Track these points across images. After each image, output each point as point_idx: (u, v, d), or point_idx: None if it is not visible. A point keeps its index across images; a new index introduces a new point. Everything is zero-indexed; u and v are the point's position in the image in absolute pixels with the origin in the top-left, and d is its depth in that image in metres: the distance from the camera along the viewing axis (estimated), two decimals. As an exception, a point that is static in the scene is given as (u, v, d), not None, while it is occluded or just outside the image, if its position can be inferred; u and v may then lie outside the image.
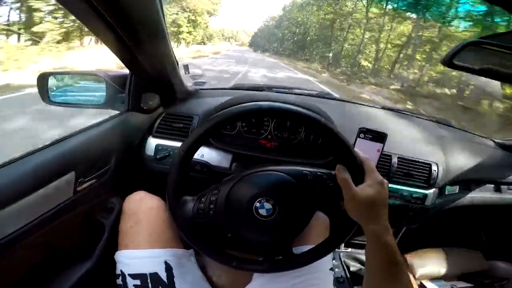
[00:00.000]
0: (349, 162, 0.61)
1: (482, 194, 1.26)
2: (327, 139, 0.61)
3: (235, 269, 0.70)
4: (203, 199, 0.67)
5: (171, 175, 0.64)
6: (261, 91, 1.33)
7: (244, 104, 0.63)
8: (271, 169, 0.69)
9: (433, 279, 1.32)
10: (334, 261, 1.36)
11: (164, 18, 0.68)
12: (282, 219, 0.65)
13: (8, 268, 0.63)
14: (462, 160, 1.18)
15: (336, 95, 1.50)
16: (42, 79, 0.91)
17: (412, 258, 1.35)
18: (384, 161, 1.04)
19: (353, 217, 0.61)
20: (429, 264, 1.33)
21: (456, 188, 1.20)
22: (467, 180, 1.22)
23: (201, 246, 0.69)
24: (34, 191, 0.63)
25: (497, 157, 1.31)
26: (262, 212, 0.64)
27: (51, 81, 0.92)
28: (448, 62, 0.58)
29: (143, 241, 0.76)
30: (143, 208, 0.82)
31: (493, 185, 1.29)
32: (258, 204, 0.64)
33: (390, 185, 1.06)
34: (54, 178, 0.68)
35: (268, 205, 0.64)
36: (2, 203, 0.57)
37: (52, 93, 0.94)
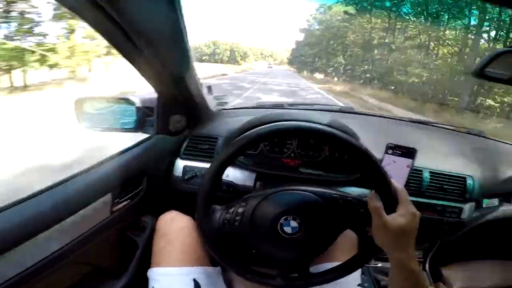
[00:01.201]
0: (384, 190, 0.61)
1: None
2: (364, 166, 0.61)
3: (249, 281, 0.71)
4: (230, 210, 0.68)
5: (199, 196, 0.66)
6: (283, 108, 1.35)
7: (275, 125, 0.64)
8: (299, 189, 0.69)
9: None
10: (363, 275, 1.31)
11: (188, 40, 0.71)
12: (307, 238, 0.65)
13: (52, 285, 0.67)
14: (499, 172, 1.13)
15: (359, 110, 1.48)
16: (79, 104, 0.97)
17: (450, 271, 1.29)
18: (415, 176, 1.02)
19: (380, 244, 0.62)
20: (468, 278, 1.26)
21: (495, 201, 1.15)
22: (506, 193, 1.16)
23: (221, 256, 0.70)
24: (76, 212, 0.69)
25: None
26: (287, 229, 0.65)
27: (87, 106, 0.99)
28: (479, 73, 0.57)
29: (175, 259, 0.79)
30: (174, 227, 0.85)
31: None
32: (284, 221, 0.65)
33: (423, 199, 1.03)
34: (93, 200, 0.74)
35: (294, 223, 0.65)
36: (48, 223, 0.63)
37: (88, 117, 1.00)
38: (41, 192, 0.67)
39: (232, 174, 1.02)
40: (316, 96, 16.03)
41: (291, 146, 1.05)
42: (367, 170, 0.61)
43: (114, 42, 0.64)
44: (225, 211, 0.68)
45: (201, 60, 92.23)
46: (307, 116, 0.96)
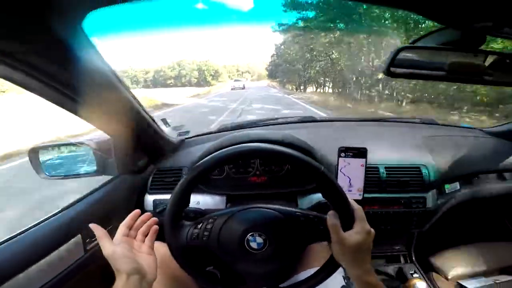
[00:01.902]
0: (342, 209, 0.64)
1: (487, 186, 1.25)
2: (323, 186, 0.64)
3: None
4: (199, 225, 0.70)
5: (171, 200, 0.68)
6: (246, 128, 1.39)
7: (234, 148, 0.66)
8: (263, 206, 0.72)
9: (470, 277, 1.26)
10: (347, 278, 1.33)
11: (122, 83, 0.74)
12: (272, 254, 0.67)
13: None
14: (453, 156, 1.18)
15: (318, 117, 1.54)
16: (33, 153, 0.97)
17: (439, 260, 1.30)
18: (372, 173, 1.06)
19: (339, 260, 0.65)
20: (460, 263, 1.27)
21: (456, 185, 1.20)
22: (465, 175, 1.21)
23: (189, 269, 0.72)
24: (48, 254, 0.74)
25: (489, 145, 1.30)
26: (254, 245, 0.67)
27: (42, 155, 0.98)
28: (387, 72, 0.62)
29: (162, 286, 0.82)
30: (161, 256, 0.86)
31: (495, 174, 1.28)
32: (250, 237, 0.67)
33: (385, 195, 1.07)
34: (63, 242, 0.79)
35: (259, 239, 0.67)
36: (21, 267, 0.67)
37: (46, 167, 1.00)
38: (14, 236, 0.72)
39: (202, 201, 1.04)
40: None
41: (254, 164, 1.08)
42: (326, 189, 0.64)
43: (55, 101, 0.67)
44: (193, 226, 0.70)
45: (165, 85, 79.46)
46: (264, 136, 1.01)
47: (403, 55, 0.61)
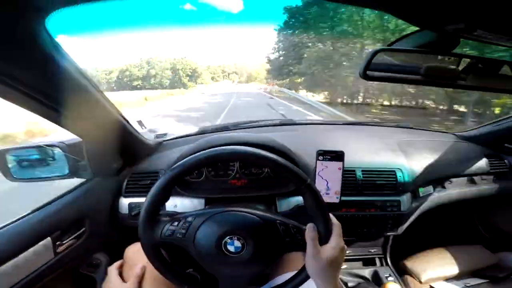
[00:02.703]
0: (322, 223, 0.65)
1: (459, 189, 1.28)
2: (307, 197, 0.64)
3: None
4: (175, 222, 0.68)
5: (148, 197, 0.66)
6: (226, 130, 1.37)
7: (229, 148, 0.65)
8: (245, 210, 0.71)
9: (442, 280, 1.28)
10: None
11: (89, 82, 0.72)
12: (250, 257, 0.67)
13: None
14: (427, 160, 1.21)
15: (298, 120, 1.54)
16: (1, 156, 0.92)
17: (413, 263, 1.32)
18: (348, 176, 1.07)
19: (311, 273, 0.65)
20: (432, 267, 1.29)
21: (430, 189, 1.23)
22: (438, 179, 1.25)
23: (159, 265, 0.70)
24: (14, 257, 0.72)
25: (461, 149, 1.34)
26: (231, 248, 0.66)
27: (9, 157, 0.93)
28: (363, 75, 0.62)
29: (149, 286, 0.82)
30: (142, 257, 0.85)
31: (466, 178, 1.31)
32: (228, 240, 0.66)
33: (361, 197, 1.09)
34: (30, 245, 0.77)
35: (237, 243, 0.66)
36: None
37: (14, 170, 0.95)
38: None
39: (180, 204, 1.02)
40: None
41: (234, 167, 1.07)
42: (309, 201, 0.65)
43: (21, 104, 0.64)
44: (169, 223, 0.68)
45: (131, 87, 67.31)
46: (245, 138, 0.99)
47: (380, 57, 0.62)
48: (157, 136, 1.27)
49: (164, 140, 1.26)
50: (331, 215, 0.67)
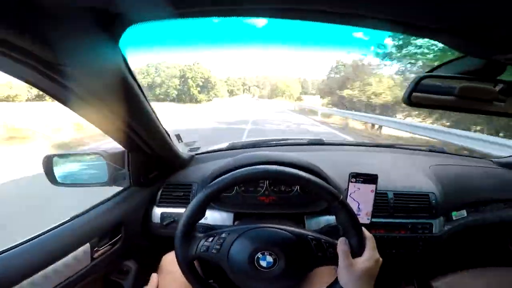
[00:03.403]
0: (354, 236, 0.66)
1: (495, 214, 1.25)
2: (339, 214, 0.67)
3: None
4: (209, 238, 0.71)
5: (186, 212, 0.69)
6: (256, 147, 1.40)
7: (257, 168, 0.69)
8: (277, 227, 0.73)
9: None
10: None
11: (146, 98, 0.77)
12: (282, 272, 0.68)
13: None
14: (461, 184, 1.19)
15: (328, 140, 1.54)
16: (47, 161, 0.98)
17: (440, 284, 1.24)
18: (380, 199, 1.06)
19: (344, 285, 0.65)
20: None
21: (463, 212, 1.20)
22: (473, 203, 1.22)
23: (195, 281, 0.72)
24: (55, 261, 0.75)
25: (498, 175, 1.31)
26: (263, 263, 0.68)
27: (56, 163, 0.99)
28: (407, 101, 0.63)
29: None
30: (169, 266, 0.91)
31: (502, 203, 1.27)
32: (260, 256, 0.68)
33: (392, 220, 1.08)
34: (72, 249, 0.80)
35: (269, 258, 0.68)
36: (29, 272, 0.68)
37: (58, 175, 1.00)
38: (23, 242, 0.73)
39: (210, 216, 1.04)
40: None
41: (264, 184, 1.09)
42: (342, 217, 0.67)
43: (85, 115, 0.70)
44: (204, 239, 0.71)
45: None
46: (280, 158, 1.02)
47: (423, 84, 0.62)
48: (191, 150, 1.31)
49: (196, 154, 1.30)
50: (363, 229, 0.68)
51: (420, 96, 0.63)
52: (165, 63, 58.93)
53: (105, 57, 0.55)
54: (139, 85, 0.70)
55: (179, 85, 54.88)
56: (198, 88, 54.31)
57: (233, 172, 0.69)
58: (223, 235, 0.71)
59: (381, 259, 0.66)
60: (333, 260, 0.67)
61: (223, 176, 0.69)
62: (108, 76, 0.60)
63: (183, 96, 54.22)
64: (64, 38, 0.46)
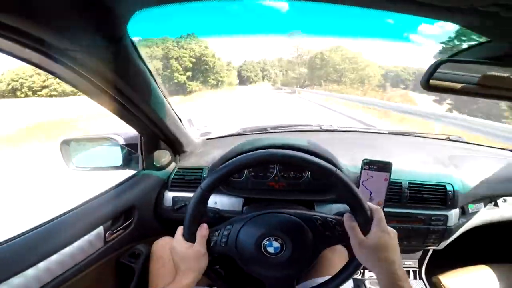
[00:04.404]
0: (358, 210, 0.64)
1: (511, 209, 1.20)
2: (338, 188, 0.65)
3: None
4: (216, 232, 0.71)
5: (189, 208, 0.69)
6: (265, 132, 1.39)
7: (254, 153, 0.68)
8: (281, 211, 0.72)
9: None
10: None
11: (156, 82, 0.77)
12: (289, 257, 0.68)
13: None
14: (480, 176, 1.14)
15: (339, 127, 1.52)
16: (65, 145, 1.01)
17: (448, 279, 1.23)
18: (394, 188, 1.04)
19: (363, 263, 0.64)
20: (467, 285, 1.21)
21: (480, 206, 1.15)
22: (492, 196, 1.17)
23: (210, 276, 0.73)
24: (70, 244, 0.77)
25: None
26: (270, 249, 0.68)
27: (72, 147, 1.02)
28: (425, 85, 0.61)
29: (171, 281, 0.80)
30: (168, 251, 0.87)
31: None
32: (266, 242, 0.68)
33: (405, 210, 1.05)
34: (86, 233, 0.82)
35: (276, 244, 0.68)
36: (46, 254, 0.71)
37: (74, 159, 1.03)
38: (39, 226, 0.75)
39: (219, 201, 1.05)
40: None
41: (274, 170, 1.08)
42: (341, 191, 0.65)
43: (93, 97, 0.70)
44: (211, 233, 0.71)
45: None
46: (286, 141, 1.01)
47: (443, 68, 0.60)
48: (203, 134, 1.32)
49: (207, 138, 1.31)
50: (369, 203, 0.65)
51: (439, 81, 0.61)
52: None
53: (113, 42, 0.55)
54: (149, 70, 0.70)
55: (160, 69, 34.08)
56: (188, 73, 34.84)
57: (234, 159, 0.68)
58: (228, 226, 0.72)
59: (394, 230, 0.64)
60: (342, 238, 0.66)
61: (226, 163, 0.69)
62: (118, 60, 0.60)
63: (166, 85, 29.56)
64: (73, 23, 0.46)
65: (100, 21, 0.49)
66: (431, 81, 0.60)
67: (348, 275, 0.70)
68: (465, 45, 0.62)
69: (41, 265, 0.69)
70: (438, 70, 0.59)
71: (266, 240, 0.68)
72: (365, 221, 0.63)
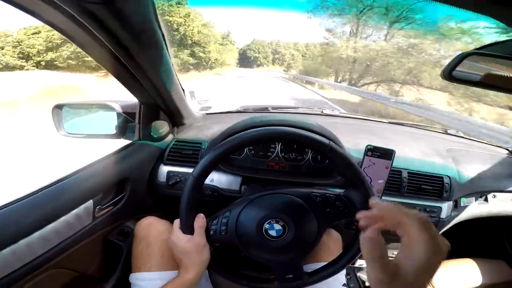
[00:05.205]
0: (358, 185, 0.63)
1: (501, 205, 1.22)
2: (336, 164, 0.63)
3: (246, 287, 0.72)
4: (215, 221, 0.69)
5: (183, 199, 0.66)
6: (267, 112, 1.36)
7: (251, 130, 0.65)
8: (280, 192, 0.71)
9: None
10: (348, 276, 1.33)
11: (167, 48, 0.72)
12: (292, 239, 0.66)
13: None
14: (475, 171, 1.16)
15: (341, 112, 1.50)
16: (57, 110, 0.95)
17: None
18: (394, 176, 1.04)
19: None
20: (449, 277, 1.26)
21: (472, 200, 1.18)
22: (483, 191, 1.19)
23: (213, 265, 0.71)
24: (56, 219, 0.69)
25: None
26: (272, 233, 0.66)
27: (65, 112, 0.97)
28: (448, 76, 0.59)
29: (154, 263, 0.79)
30: (153, 232, 0.85)
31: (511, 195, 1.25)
32: (267, 226, 0.66)
33: (402, 199, 1.05)
34: (74, 206, 0.75)
35: (277, 226, 0.66)
36: (30, 229, 0.63)
37: (66, 124, 0.98)
38: (23, 198, 0.67)
39: (216, 178, 1.03)
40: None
41: (275, 150, 1.06)
42: (339, 167, 0.63)
43: (93, 52, 0.65)
44: (210, 222, 0.69)
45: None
46: (294, 121, 0.97)
47: (467, 61, 0.58)
48: (203, 108, 1.28)
49: (207, 113, 1.27)
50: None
51: (462, 73, 0.59)
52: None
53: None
54: (163, 34, 0.65)
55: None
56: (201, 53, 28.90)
57: (234, 136, 0.65)
58: (227, 213, 0.69)
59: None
60: (344, 214, 0.65)
61: (226, 140, 0.66)
62: (132, 16, 0.54)
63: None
64: None
65: None
66: (455, 73, 0.58)
67: (355, 252, 0.69)
68: (492, 40, 0.60)
69: (22, 242, 0.62)
70: (463, 62, 0.57)
71: (267, 224, 0.66)
72: (365, 198, 0.62)
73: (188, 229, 0.67)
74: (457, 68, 0.58)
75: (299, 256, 0.70)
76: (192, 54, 28.19)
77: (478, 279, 1.26)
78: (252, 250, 0.69)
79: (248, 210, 0.69)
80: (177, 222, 0.70)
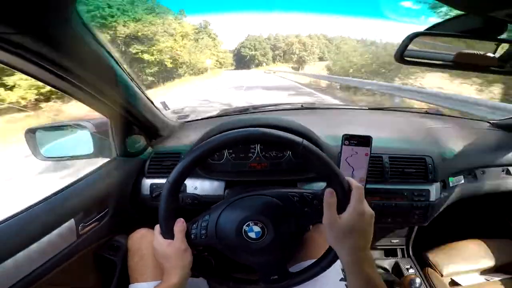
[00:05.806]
0: (335, 183, 0.61)
1: (493, 181, 1.21)
2: (312, 162, 0.61)
3: None
4: (194, 225, 0.69)
5: (161, 204, 0.66)
6: (248, 113, 1.36)
7: (223, 134, 0.64)
8: (258, 193, 0.70)
9: (465, 274, 1.23)
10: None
11: (118, 62, 0.72)
12: (272, 240, 0.66)
13: None
14: (459, 148, 1.15)
15: (321, 104, 1.51)
16: (30, 135, 0.94)
17: (436, 256, 1.26)
18: (375, 163, 1.03)
19: (329, 243, 0.61)
20: (456, 260, 1.24)
21: (461, 178, 1.16)
22: (471, 168, 1.18)
23: (198, 270, 0.71)
24: (38, 239, 0.70)
25: (496, 138, 1.27)
26: (252, 235, 0.66)
27: (39, 136, 0.95)
28: (400, 58, 0.59)
29: (150, 273, 0.80)
30: (145, 243, 0.86)
31: (502, 170, 1.24)
32: (247, 228, 0.66)
33: (387, 186, 1.04)
34: (56, 226, 0.75)
35: (256, 228, 0.66)
36: (8, 252, 0.64)
37: (43, 149, 0.97)
38: (4, 220, 0.68)
39: (200, 186, 1.02)
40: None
41: (255, 150, 1.06)
42: (315, 164, 0.62)
43: (51, 83, 0.65)
44: (190, 226, 0.69)
45: None
46: (270, 120, 0.97)
47: (417, 41, 0.58)
48: (180, 117, 1.28)
49: (186, 121, 1.26)
50: (350, 179, 0.62)
51: (414, 53, 0.59)
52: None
53: (60, 24, 0.50)
54: (108, 51, 0.65)
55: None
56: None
57: (206, 141, 0.64)
58: (206, 217, 0.69)
59: (370, 212, 0.58)
60: (320, 213, 0.63)
61: (198, 145, 0.65)
62: (69, 43, 0.55)
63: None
64: (13, 5, 0.41)
65: (43, 1, 0.44)
66: (406, 54, 0.59)
67: (328, 262, 0.68)
68: (440, 19, 0.61)
69: (9, 262, 0.63)
70: (413, 43, 0.57)
71: (246, 226, 0.65)
72: (342, 195, 0.60)
73: (168, 234, 0.67)
74: (408, 50, 0.58)
75: (282, 256, 0.70)
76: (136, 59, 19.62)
77: (485, 260, 1.24)
78: (233, 253, 0.69)
79: (227, 213, 0.68)
80: (157, 227, 0.70)
